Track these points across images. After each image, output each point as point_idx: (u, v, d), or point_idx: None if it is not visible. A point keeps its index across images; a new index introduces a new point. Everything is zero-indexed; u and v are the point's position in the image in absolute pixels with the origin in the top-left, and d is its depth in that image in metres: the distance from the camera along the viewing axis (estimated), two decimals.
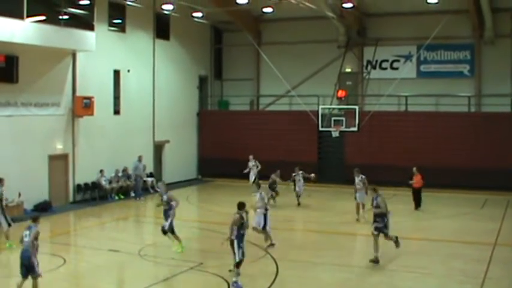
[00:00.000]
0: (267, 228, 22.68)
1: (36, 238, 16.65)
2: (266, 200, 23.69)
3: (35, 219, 17.16)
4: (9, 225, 23.20)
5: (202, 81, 44.83)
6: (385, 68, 41.29)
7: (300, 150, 40.40)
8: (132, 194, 35.26)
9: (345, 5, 35.76)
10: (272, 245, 22.41)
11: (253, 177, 36.54)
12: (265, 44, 43.31)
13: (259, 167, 37.47)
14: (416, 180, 31.30)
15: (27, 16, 27.86)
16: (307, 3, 34.63)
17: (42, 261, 20.73)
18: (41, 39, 28.65)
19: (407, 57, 40.74)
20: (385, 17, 40.20)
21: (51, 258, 21.43)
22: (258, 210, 23.11)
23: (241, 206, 18.76)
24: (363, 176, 28.80)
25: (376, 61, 41.31)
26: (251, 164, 37.57)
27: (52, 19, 29.50)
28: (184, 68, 42.35)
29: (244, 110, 44.37)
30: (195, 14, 38.58)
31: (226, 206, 32.46)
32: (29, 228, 16.83)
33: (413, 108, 39.70)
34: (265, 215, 22.79)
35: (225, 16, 41.18)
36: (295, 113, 41.46)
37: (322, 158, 41.05)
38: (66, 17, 30.38)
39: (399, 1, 37.48)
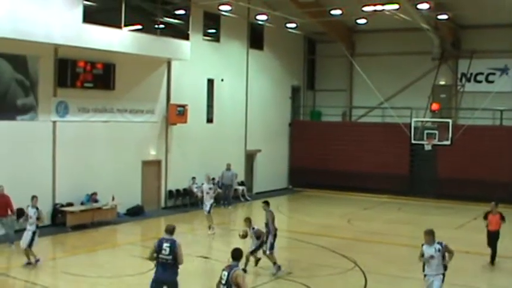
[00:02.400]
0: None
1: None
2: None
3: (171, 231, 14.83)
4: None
5: (295, 92, 44.89)
6: (480, 81, 40.38)
7: (391, 162, 40.01)
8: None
9: (439, 17, 35.31)
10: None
11: (209, 206, 27.57)
12: (358, 55, 43.05)
13: (217, 191, 30.53)
14: (493, 222, 22.58)
15: (125, 25, 28.47)
16: (401, 15, 34.28)
17: (134, 264, 21.21)
18: (138, 47, 29.24)
19: (503, 70, 39.75)
20: (480, 29, 39.34)
21: (142, 261, 21.74)
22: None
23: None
24: None
25: (471, 74, 40.43)
26: (206, 186, 28.12)
27: (148, 28, 30.07)
28: (277, 78, 42.48)
29: (336, 121, 44.12)
30: (289, 25, 38.71)
31: (316, 216, 32.62)
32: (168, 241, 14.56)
33: (508, 123, 38.77)
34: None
35: (319, 27, 41.09)
36: (387, 125, 41.03)
37: (414, 171, 40.44)
38: (162, 26, 30.89)
39: (495, 13, 36.63)
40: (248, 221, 20.97)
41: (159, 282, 14.49)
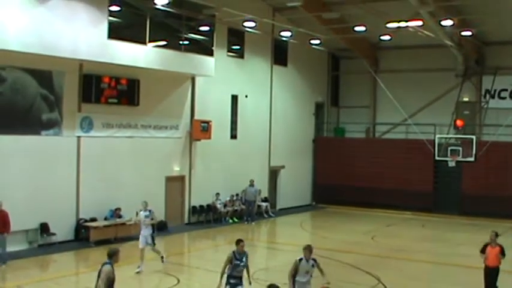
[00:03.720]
0: None
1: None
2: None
3: (110, 254, 13.64)
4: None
5: (319, 108, 44.88)
6: (504, 98, 40.03)
7: (415, 179, 39.80)
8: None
9: (463, 33, 35.19)
10: None
11: (148, 238, 23.59)
12: (382, 72, 42.98)
13: (155, 220, 25.44)
14: (491, 256, 18.96)
15: (150, 41, 28.63)
16: (425, 31, 34.19)
17: (157, 279, 21.18)
18: (162, 63, 29.37)
19: None
20: (504, 45, 39.07)
21: (165, 277, 21.84)
22: None
23: None
24: None
25: (495, 90, 40.08)
26: (143, 214, 24.07)
27: (173, 44, 30.23)
28: (301, 94, 42.50)
29: (360, 137, 44.06)
30: (312, 41, 38.70)
31: (340, 232, 32.52)
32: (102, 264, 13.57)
33: None
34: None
35: (343, 43, 41.12)
36: (411, 141, 40.87)
37: (438, 188, 40.20)
38: (186, 42, 31.07)
39: None
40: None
41: None
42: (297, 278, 15.99)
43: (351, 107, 45.23)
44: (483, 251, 19.04)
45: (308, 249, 16.09)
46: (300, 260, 15.93)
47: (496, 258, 18.72)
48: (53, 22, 24.36)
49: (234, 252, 16.47)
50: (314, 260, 16.08)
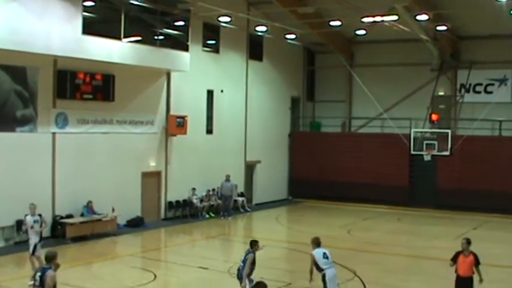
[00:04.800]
0: None
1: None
2: None
3: (49, 258, 13.29)
4: None
5: (295, 103, 44.95)
6: (479, 92, 40.30)
7: (391, 173, 39.98)
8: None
9: (438, 28, 35.33)
10: None
11: (34, 244, 20.99)
12: (357, 66, 43.09)
13: (46, 225, 23.77)
14: (463, 266, 16.86)
15: (124, 37, 28.52)
16: (400, 26, 34.34)
17: (134, 275, 21.15)
18: (137, 59, 29.28)
19: (502, 81, 39.66)
20: (479, 40, 39.37)
21: (143, 273, 21.84)
22: None
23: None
24: None
25: (470, 84, 40.33)
26: (30, 219, 21.39)
27: (148, 40, 30.15)
28: (277, 89, 42.53)
29: (336, 131, 44.17)
30: (288, 36, 38.72)
31: (316, 227, 32.57)
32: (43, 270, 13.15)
33: (507, 134, 38.81)
34: None
35: (318, 38, 41.13)
36: (387, 135, 41.02)
37: (414, 182, 40.41)
38: (161, 37, 30.99)
39: (494, 24, 36.61)
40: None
41: None
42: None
43: (326, 102, 45.30)
44: (454, 259, 16.98)
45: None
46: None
47: (468, 268, 16.73)
48: (26, 17, 24.20)
49: (254, 252, 17.09)
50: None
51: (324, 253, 17.28)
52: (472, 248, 16.85)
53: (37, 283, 12.82)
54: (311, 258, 17.24)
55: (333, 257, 17.10)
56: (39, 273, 12.91)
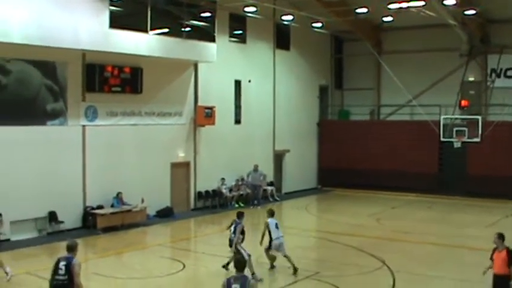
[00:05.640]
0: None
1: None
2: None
3: (71, 248, 13.43)
4: None
5: (323, 91, 44.94)
6: (510, 77, 39.81)
7: (420, 161, 39.79)
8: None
9: (466, 12, 35.03)
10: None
11: None
12: (385, 53, 42.91)
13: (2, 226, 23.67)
14: (497, 262, 15.50)
15: (151, 29, 28.71)
16: (427, 11, 34.11)
17: (163, 265, 21.40)
18: (164, 51, 29.47)
19: None
20: (510, 23, 38.87)
21: (172, 262, 22.10)
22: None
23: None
24: None
25: (501, 69, 39.84)
26: None
27: (175, 31, 30.29)
28: (305, 78, 42.55)
29: (364, 119, 44.07)
30: (314, 24, 38.67)
31: (345, 215, 32.70)
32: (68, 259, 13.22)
33: None
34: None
35: (345, 26, 40.99)
36: (416, 123, 40.84)
37: (444, 169, 40.19)
38: (188, 29, 31.12)
39: None
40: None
41: None
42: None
43: (355, 90, 45.20)
44: (492, 257, 15.65)
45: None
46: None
47: (502, 264, 15.25)
48: (53, 13, 24.46)
49: (241, 223, 20.12)
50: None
51: (276, 224, 20.55)
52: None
53: (62, 272, 12.90)
54: (265, 225, 20.56)
55: (361, 246, 17.44)
56: (63, 263, 12.97)
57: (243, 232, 19.94)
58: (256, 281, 15.80)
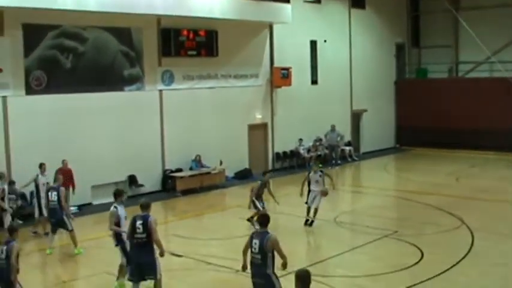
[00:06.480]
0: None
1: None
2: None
3: (146, 207, 13.85)
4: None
5: (399, 50, 44.27)
6: None
7: (500, 119, 38.86)
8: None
9: None
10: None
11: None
12: (463, 9, 41.89)
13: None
14: None
15: None
16: None
17: (243, 226, 21.59)
18: (239, 13, 29.53)
19: None
20: None
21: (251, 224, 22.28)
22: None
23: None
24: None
25: None
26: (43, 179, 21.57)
27: None
28: (381, 37, 42.00)
29: (442, 77, 43.28)
30: None
31: (423, 174, 32.41)
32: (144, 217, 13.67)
33: None
34: None
35: None
36: (495, 80, 39.80)
37: None
38: None
39: None
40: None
41: (136, 264, 13.68)
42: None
43: (432, 47, 44.42)
44: None
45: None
46: (309, 173, 21.85)
47: None
48: None
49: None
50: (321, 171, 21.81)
51: (317, 180, 21.66)
52: None
53: (140, 230, 13.36)
54: (305, 177, 22.10)
55: (440, 205, 17.28)
56: (140, 221, 13.39)
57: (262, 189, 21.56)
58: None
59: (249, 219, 21.06)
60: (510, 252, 18.36)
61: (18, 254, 12.54)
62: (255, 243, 11.61)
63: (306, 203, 21.48)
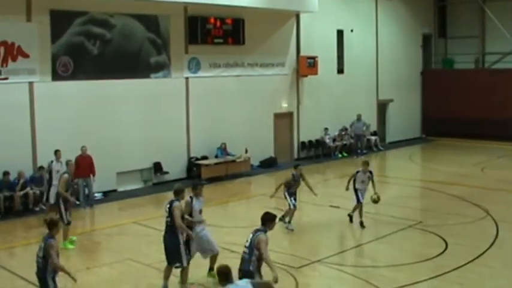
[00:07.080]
0: None
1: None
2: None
3: (177, 192, 14.15)
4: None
5: (426, 40, 44.06)
6: None
7: None
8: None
9: None
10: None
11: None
12: (490, 0, 41.65)
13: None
14: None
15: None
16: None
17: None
18: (266, 1, 29.54)
19: None
20: None
21: (276, 212, 22.26)
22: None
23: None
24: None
25: None
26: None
27: None
28: (407, 27, 41.79)
29: (469, 68, 43.01)
30: None
31: (449, 165, 32.26)
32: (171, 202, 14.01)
33: None
34: None
35: None
36: None
37: None
38: None
39: None
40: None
41: (164, 247, 14.15)
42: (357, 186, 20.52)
43: (459, 38, 44.12)
44: None
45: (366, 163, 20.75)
46: (357, 172, 20.53)
47: None
48: None
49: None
50: (370, 172, 20.56)
51: (362, 180, 20.62)
52: None
53: (166, 214, 13.94)
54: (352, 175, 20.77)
55: (465, 195, 17.30)
56: (168, 206, 13.92)
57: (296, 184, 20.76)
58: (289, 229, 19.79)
59: (281, 219, 20.49)
60: None
61: (58, 253, 11.43)
62: (249, 238, 11.82)
63: (359, 202, 20.37)
